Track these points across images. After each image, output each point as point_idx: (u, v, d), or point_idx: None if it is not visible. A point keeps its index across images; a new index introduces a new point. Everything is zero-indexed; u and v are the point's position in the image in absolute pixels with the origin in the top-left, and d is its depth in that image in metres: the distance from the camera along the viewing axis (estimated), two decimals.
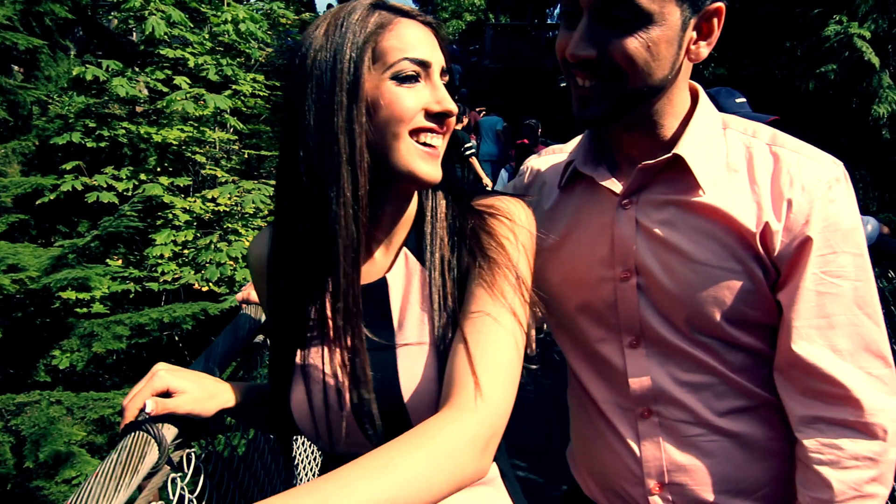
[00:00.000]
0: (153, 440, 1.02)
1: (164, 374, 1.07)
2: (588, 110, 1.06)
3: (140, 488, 1.05)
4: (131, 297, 7.34)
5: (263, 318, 1.75)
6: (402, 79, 0.99)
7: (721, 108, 2.35)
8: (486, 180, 9.63)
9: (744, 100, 2.48)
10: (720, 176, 1.08)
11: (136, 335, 6.45)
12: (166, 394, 1.08)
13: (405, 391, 0.99)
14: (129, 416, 1.04)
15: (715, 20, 1.05)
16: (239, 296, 1.82)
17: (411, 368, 1.00)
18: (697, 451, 1.10)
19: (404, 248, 1.10)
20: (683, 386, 1.11)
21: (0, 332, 6.33)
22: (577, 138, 1.29)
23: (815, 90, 4.39)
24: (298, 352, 1.08)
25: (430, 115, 1.01)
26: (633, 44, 0.99)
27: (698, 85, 1.17)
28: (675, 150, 1.08)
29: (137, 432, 1.02)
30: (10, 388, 6.19)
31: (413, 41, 1.00)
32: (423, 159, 1.01)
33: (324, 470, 1.18)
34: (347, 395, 1.03)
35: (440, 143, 1.03)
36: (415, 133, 1.01)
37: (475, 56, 23.02)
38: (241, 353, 1.65)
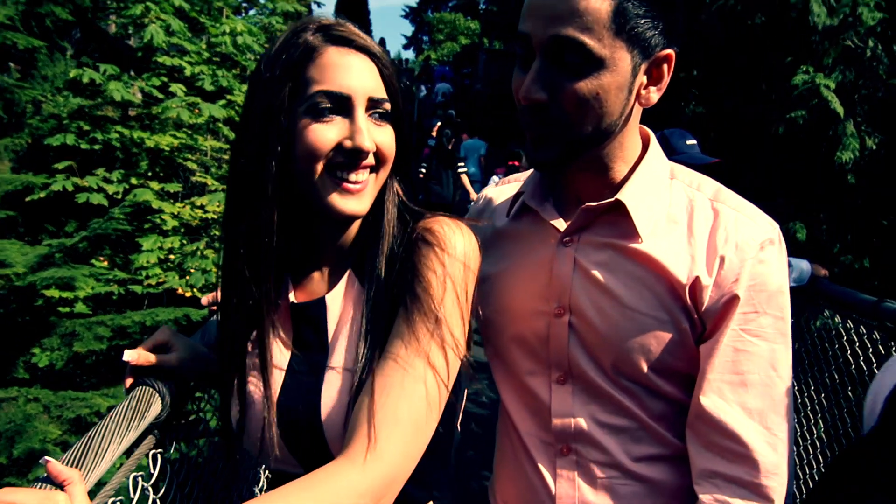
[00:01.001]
0: (157, 394, 1.10)
1: (161, 330, 1.16)
2: (540, 153, 1.07)
3: (127, 454, 1.12)
4: (114, 298, 7.37)
5: None
6: (315, 113, 0.97)
7: (672, 148, 2.50)
8: (474, 195, 9.85)
9: (694, 142, 2.63)
10: (660, 225, 1.09)
11: (118, 337, 6.50)
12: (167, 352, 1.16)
13: (324, 416, 0.98)
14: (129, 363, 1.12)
15: (665, 66, 1.06)
16: (205, 299, 1.83)
17: (331, 394, 0.99)
18: (610, 493, 1.11)
19: (349, 270, 1.08)
20: (603, 427, 1.11)
21: None
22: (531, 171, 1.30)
23: (785, 134, 4.64)
24: (240, 367, 1.08)
25: (345, 150, 0.97)
26: (584, 89, 0.99)
27: (650, 131, 1.18)
28: (617, 196, 1.09)
29: (144, 387, 1.10)
30: None
31: (334, 73, 0.96)
32: (339, 195, 0.99)
33: (270, 488, 1.22)
34: (273, 412, 1.04)
35: (365, 177, 1.00)
36: (331, 168, 0.98)
37: (468, 79, 23.36)
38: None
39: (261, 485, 2.57)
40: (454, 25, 31.35)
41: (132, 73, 8.02)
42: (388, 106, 1.01)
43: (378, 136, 1.01)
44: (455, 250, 1.00)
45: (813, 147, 4.49)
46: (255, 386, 1.07)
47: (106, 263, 7.37)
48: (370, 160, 1.00)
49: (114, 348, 6.90)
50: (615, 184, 1.13)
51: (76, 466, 0.90)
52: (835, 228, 4.38)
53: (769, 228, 1.07)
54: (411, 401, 0.92)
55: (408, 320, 0.96)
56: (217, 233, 7.89)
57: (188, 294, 7.34)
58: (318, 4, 15.14)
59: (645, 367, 1.07)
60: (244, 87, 8.91)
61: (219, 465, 1.87)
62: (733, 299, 1.03)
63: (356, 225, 1.09)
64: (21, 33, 6.61)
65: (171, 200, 7.94)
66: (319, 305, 1.08)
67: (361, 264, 1.07)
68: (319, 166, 0.98)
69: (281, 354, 1.09)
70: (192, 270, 7.41)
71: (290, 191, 1.02)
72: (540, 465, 1.17)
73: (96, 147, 7.26)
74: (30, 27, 7.70)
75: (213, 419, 1.51)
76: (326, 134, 0.97)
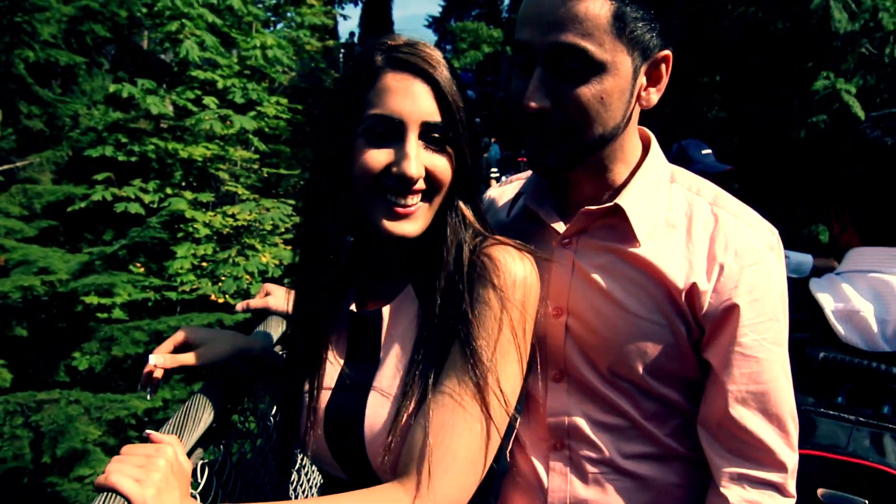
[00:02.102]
0: (209, 402, 1.14)
1: (182, 329, 1.15)
2: (544, 159, 1.07)
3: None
4: (150, 305, 7.62)
5: (278, 332, 1.80)
6: (369, 136, 0.98)
7: (689, 158, 2.60)
8: None
9: (709, 151, 2.74)
10: (658, 230, 1.09)
11: (154, 341, 6.71)
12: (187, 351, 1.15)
13: (367, 431, 1.00)
14: (148, 366, 1.11)
15: (663, 66, 1.07)
16: (240, 305, 1.80)
17: (376, 410, 1.00)
18: (601, 488, 1.13)
19: (409, 285, 1.08)
20: (597, 425, 1.12)
21: (25, 331, 6.64)
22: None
23: (807, 138, 4.68)
24: (300, 371, 1.12)
25: (393, 175, 0.97)
26: (587, 95, 0.99)
27: (650, 132, 1.19)
28: (616, 200, 1.08)
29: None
30: (32, 385, 6.45)
31: (389, 97, 0.97)
32: (388, 217, 0.99)
33: (323, 489, 1.24)
34: (321, 416, 1.08)
35: (415, 201, 0.99)
36: (383, 190, 0.99)
37: (490, 87, 23.51)
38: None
39: (314, 482, 2.68)
40: (477, 34, 31.54)
41: (166, 87, 8.31)
42: (444, 131, 0.98)
43: (431, 162, 0.98)
44: (515, 283, 0.98)
45: (834, 150, 4.52)
46: (308, 389, 1.09)
47: (143, 270, 7.63)
48: (421, 185, 0.98)
49: (150, 352, 7.10)
50: (615, 186, 1.12)
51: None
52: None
53: (769, 235, 1.08)
54: (469, 439, 0.93)
55: (464, 355, 0.95)
56: (249, 241, 8.12)
57: (220, 300, 7.55)
58: (344, 17, 15.46)
59: (640, 369, 1.08)
60: (273, 99, 9.16)
61: (263, 463, 1.91)
62: (734, 307, 1.04)
63: (420, 240, 1.05)
64: (63, 50, 6.91)
65: (204, 209, 8.20)
66: (377, 317, 1.08)
67: (421, 279, 1.06)
68: (371, 189, 0.99)
69: (334, 362, 1.11)
70: (223, 277, 7.64)
71: (353, 206, 1.04)
72: (533, 459, 1.18)
73: (133, 159, 7.54)
74: (69, 44, 8.02)
75: (251, 422, 1.56)
76: (377, 158, 0.97)
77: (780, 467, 1.05)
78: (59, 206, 7.43)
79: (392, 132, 0.97)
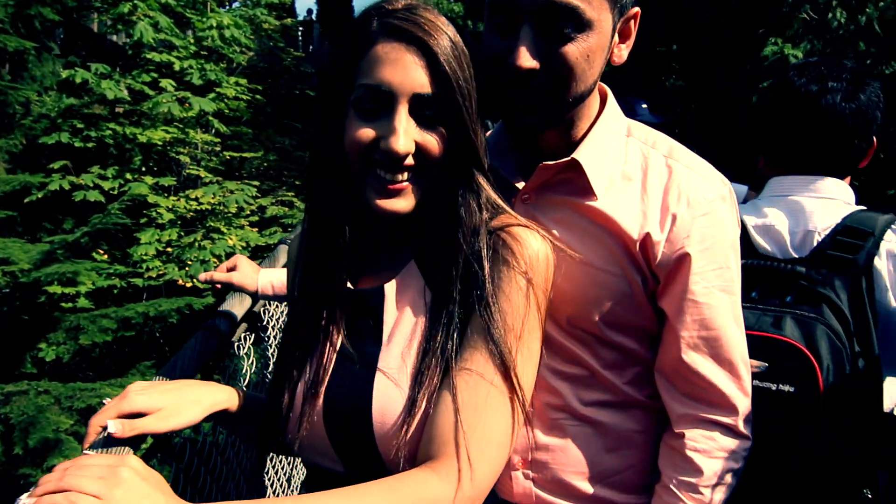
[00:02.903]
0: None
1: (133, 395, 0.94)
2: (528, 119, 1.06)
3: None
4: (115, 292, 7.53)
5: (243, 311, 1.66)
6: (358, 107, 0.93)
7: (628, 112, 2.75)
8: None
9: (646, 105, 2.98)
10: (614, 183, 1.12)
11: (122, 328, 6.67)
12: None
13: (375, 415, 0.93)
14: (90, 435, 0.92)
15: (632, 23, 1.09)
16: (203, 276, 1.69)
17: (385, 392, 0.94)
18: (561, 433, 1.15)
19: (412, 260, 1.03)
20: (557, 374, 1.15)
21: None
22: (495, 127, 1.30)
23: (759, 103, 4.84)
24: (292, 353, 1.05)
25: (381, 150, 0.92)
26: (575, 53, 0.99)
27: (607, 87, 1.20)
28: (573, 155, 1.10)
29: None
30: None
31: (379, 67, 0.91)
32: (378, 194, 0.94)
33: (308, 483, 1.15)
34: (320, 402, 0.99)
35: (405, 177, 0.94)
36: (373, 164, 0.94)
37: None
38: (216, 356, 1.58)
39: (298, 478, 2.55)
40: (438, 8, 31.25)
41: (121, 70, 8.12)
42: (438, 105, 0.92)
43: (422, 137, 0.92)
44: (539, 263, 0.96)
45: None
46: (302, 373, 1.02)
47: (106, 258, 7.52)
48: (410, 160, 0.93)
49: (119, 340, 7.07)
50: (574, 141, 1.13)
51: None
52: None
53: (720, 185, 1.11)
54: (502, 419, 0.91)
55: (490, 334, 0.91)
56: (214, 224, 8.05)
57: (188, 285, 7.49)
58: None
59: (598, 319, 1.10)
60: (232, 80, 9.01)
61: (235, 452, 1.87)
62: (685, 256, 1.06)
63: (421, 215, 1.00)
64: (11, 35, 6.70)
65: (166, 194, 8.09)
66: (378, 294, 1.02)
67: (425, 255, 1.01)
68: (362, 163, 0.94)
69: (331, 344, 1.03)
70: (190, 262, 7.57)
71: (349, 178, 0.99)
72: None
73: (90, 145, 7.38)
74: (17, 28, 7.77)
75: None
76: (366, 132, 0.92)
77: (733, 409, 1.10)
78: (15, 196, 7.25)
79: (382, 105, 0.92)
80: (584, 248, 1.10)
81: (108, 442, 0.91)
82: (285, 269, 1.77)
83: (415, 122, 0.93)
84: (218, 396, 1.04)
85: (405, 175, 0.94)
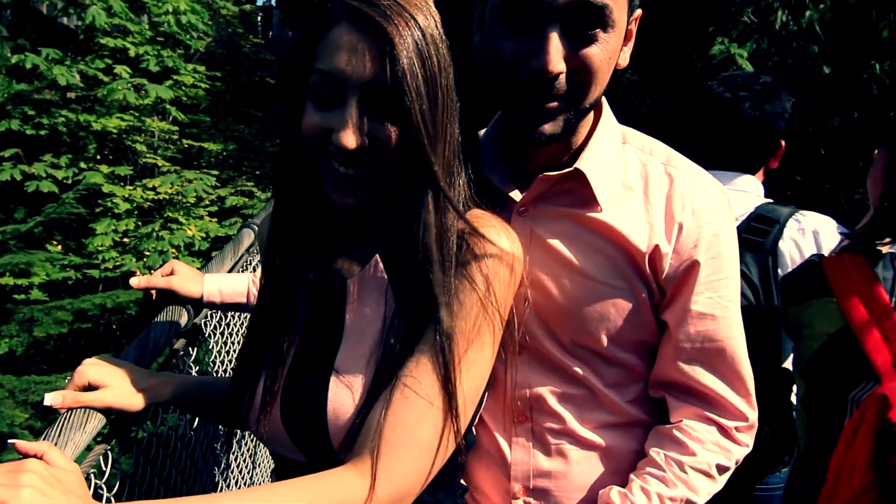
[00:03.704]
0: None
1: (85, 368, 0.99)
2: (546, 127, 0.98)
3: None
4: (70, 284, 7.39)
5: (184, 321, 1.49)
6: (312, 93, 0.89)
7: None
8: None
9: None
10: (616, 193, 1.07)
11: (78, 320, 6.56)
12: (92, 388, 1.01)
13: (330, 410, 0.92)
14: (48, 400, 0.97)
15: (634, 24, 1.03)
16: (138, 281, 1.45)
17: (340, 401, 0.92)
18: (563, 459, 1.11)
19: (376, 255, 0.98)
20: (558, 396, 1.11)
21: None
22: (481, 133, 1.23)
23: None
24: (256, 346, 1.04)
25: (332, 143, 0.87)
26: (600, 56, 0.94)
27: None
28: (576, 165, 1.04)
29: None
30: None
31: (333, 52, 0.86)
32: (332, 186, 0.91)
33: (276, 472, 1.14)
34: (278, 397, 0.99)
35: (358, 170, 0.89)
36: (327, 155, 0.90)
37: None
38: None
39: (267, 467, 2.53)
40: None
41: (74, 55, 7.92)
42: (393, 97, 0.85)
43: (375, 130, 0.87)
44: (501, 266, 0.92)
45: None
46: (262, 367, 1.01)
47: (60, 248, 7.37)
48: (364, 156, 0.88)
49: (74, 332, 6.95)
50: (572, 151, 1.08)
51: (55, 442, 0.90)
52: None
53: (720, 193, 1.09)
54: (434, 422, 0.87)
55: (439, 332, 0.88)
56: (172, 214, 7.95)
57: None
58: None
59: (603, 337, 1.07)
60: (190, 67, 8.87)
61: (198, 440, 1.80)
62: (694, 265, 1.04)
63: (386, 209, 0.96)
64: None
65: (122, 184, 7.94)
66: (340, 290, 0.99)
67: (389, 251, 0.97)
68: (317, 153, 0.91)
69: (291, 337, 1.01)
70: (148, 252, 7.47)
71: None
72: (496, 434, 1.15)
73: (42, 132, 7.18)
74: None
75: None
76: (319, 122, 0.88)
77: (735, 415, 1.08)
78: None
79: (335, 94, 0.87)
80: (588, 262, 1.06)
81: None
82: (236, 275, 1.67)
83: (370, 114, 0.87)
84: (165, 392, 1.08)
85: (359, 167, 0.89)
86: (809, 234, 1.68)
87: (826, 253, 1.55)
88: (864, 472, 1.12)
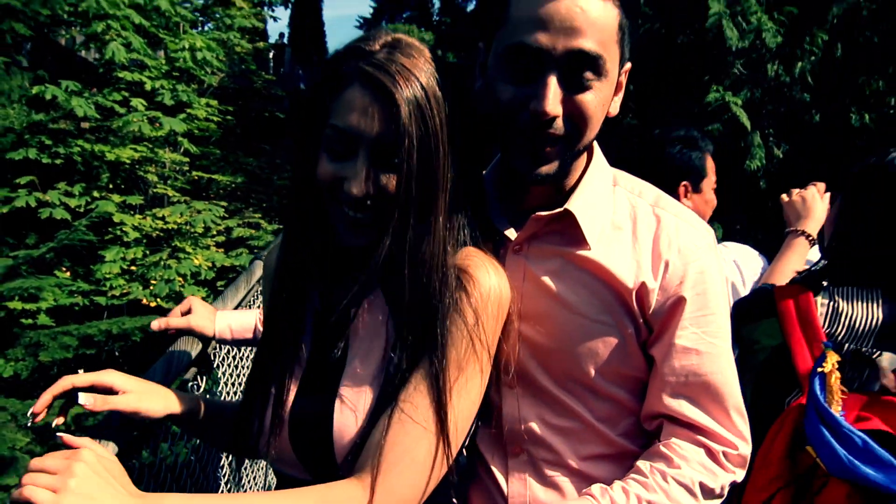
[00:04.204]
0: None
1: (110, 371, 1.06)
2: (542, 168, 1.05)
3: None
4: (76, 310, 7.48)
5: (195, 352, 1.57)
6: (326, 145, 0.98)
7: None
8: None
9: None
10: (606, 232, 1.11)
11: (83, 346, 6.64)
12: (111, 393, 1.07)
13: (336, 433, 1.00)
14: (55, 388, 1.05)
15: (624, 76, 1.10)
16: (157, 324, 1.53)
17: (345, 424, 1.00)
18: (559, 490, 1.14)
19: (378, 288, 1.07)
20: (552, 429, 1.13)
21: None
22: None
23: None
24: (266, 370, 1.10)
25: (343, 190, 0.97)
26: (594, 102, 1.00)
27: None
28: (566, 206, 1.09)
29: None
30: None
31: (347, 110, 0.96)
32: (342, 227, 1.01)
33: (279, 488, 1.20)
34: (286, 420, 1.06)
35: (367, 213, 0.99)
36: (338, 200, 0.99)
37: None
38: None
39: (267, 486, 2.55)
40: (409, 35, 31.56)
41: (92, 88, 8.17)
42: (398, 152, 0.95)
43: (382, 181, 0.97)
44: (490, 302, 1.01)
45: (728, 156, 5.06)
46: (270, 390, 1.08)
47: (69, 275, 7.49)
48: (371, 202, 0.98)
49: (79, 358, 7.02)
50: (564, 192, 1.13)
51: None
52: (747, 228, 4.92)
53: (706, 233, 1.13)
54: (429, 444, 0.95)
55: (434, 361, 0.97)
56: (179, 244, 8.10)
57: (153, 304, 7.49)
58: (275, 19, 15.36)
59: (591, 371, 1.10)
60: (203, 101, 9.12)
61: (203, 464, 1.84)
62: (680, 301, 1.07)
63: (388, 247, 1.03)
64: None
65: (132, 212, 8.11)
66: (344, 318, 1.06)
67: (391, 284, 1.03)
68: (328, 197, 1.00)
69: (299, 362, 1.09)
70: (154, 281, 7.59)
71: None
72: (493, 467, 1.17)
73: (58, 161, 7.39)
74: None
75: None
76: (332, 171, 0.98)
77: (724, 442, 1.09)
78: None
79: (348, 147, 0.97)
80: (577, 298, 1.10)
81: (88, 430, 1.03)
82: (243, 311, 1.75)
83: (378, 166, 0.97)
84: (180, 406, 1.15)
85: (367, 212, 0.98)
86: (731, 263, 1.94)
87: (746, 276, 1.83)
88: (778, 463, 1.28)
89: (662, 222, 1.11)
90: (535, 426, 1.14)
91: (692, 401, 1.09)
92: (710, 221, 2.21)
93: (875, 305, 1.40)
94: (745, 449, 1.10)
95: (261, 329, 1.43)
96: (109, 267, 7.38)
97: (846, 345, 1.37)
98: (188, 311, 1.56)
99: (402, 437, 0.94)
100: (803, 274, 1.51)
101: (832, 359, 1.31)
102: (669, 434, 1.11)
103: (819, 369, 1.30)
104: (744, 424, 1.11)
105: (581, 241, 1.10)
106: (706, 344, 1.08)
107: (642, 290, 1.08)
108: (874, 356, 1.35)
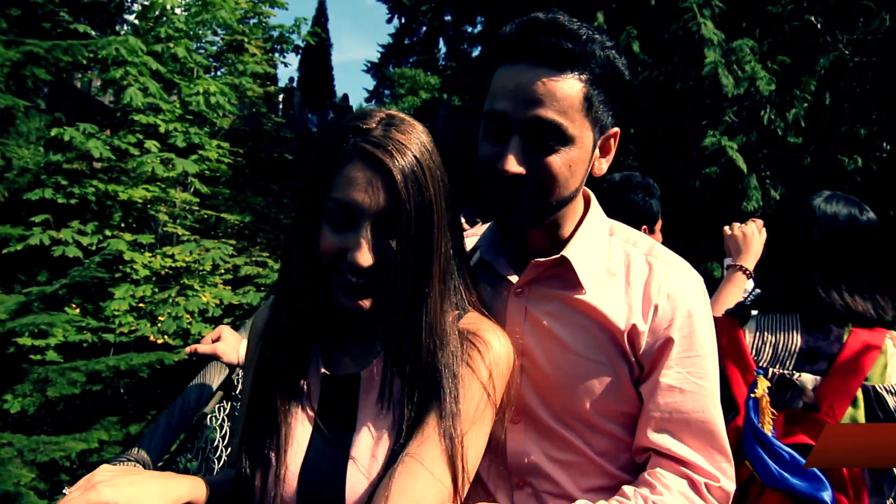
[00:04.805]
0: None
1: (101, 487, 0.93)
2: (514, 218, 1.15)
3: None
4: (85, 346, 7.56)
5: (222, 377, 1.67)
6: (329, 217, 1.03)
7: None
8: None
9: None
10: (600, 278, 1.20)
11: (91, 382, 6.70)
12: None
13: (348, 500, 1.01)
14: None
15: (612, 140, 1.20)
16: (188, 349, 1.67)
17: (358, 487, 1.01)
18: None
19: (383, 351, 1.09)
20: (554, 462, 1.18)
21: None
22: (487, 225, 1.40)
23: (702, 186, 5.36)
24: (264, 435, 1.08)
25: (346, 260, 1.02)
26: (558, 163, 1.10)
27: (590, 192, 1.30)
28: (563, 252, 1.18)
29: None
30: None
31: (349, 185, 1.01)
32: (344, 294, 1.04)
33: None
34: (294, 483, 1.05)
35: (369, 281, 1.03)
36: (340, 271, 1.04)
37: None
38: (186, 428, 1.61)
39: None
40: (415, 80, 32.17)
41: (106, 129, 8.41)
42: (398, 222, 1.02)
43: (384, 250, 1.03)
44: (500, 364, 1.08)
45: (725, 198, 5.20)
46: (271, 453, 1.07)
47: (78, 311, 7.60)
48: (374, 270, 1.03)
49: (85, 394, 7.06)
50: (562, 240, 1.22)
51: None
52: None
53: (696, 281, 1.21)
54: (439, 494, 0.98)
55: (441, 420, 1.01)
56: (188, 281, 8.22)
57: (160, 341, 7.57)
58: (285, 64, 15.81)
59: (589, 407, 1.16)
60: (215, 143, 9.36)
61: None
62: (668, 342, 1.14)
63: (391, 310, 1.08)
64: (5, 94, 7.00)
65: (142, 250, 8.26)
66: (353, 381, 1.10)
67: (397, 346, 1.07)
68: (331, 266, 1.04)
69: (305, 424, 1.09)
70: (162, 318, 7.68)
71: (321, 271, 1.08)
72: (499, 499, 1.21)
73: (72, 201, 7.57)
74: (8, 86, 8.05)
75: None
76: (336, 242, 1.03)
77: (711, 477, 1.13)
78: None
79: (350, 220, 1.02)
80: (574, 338, 1.17)
81: None
82: None
83: (378, 236, 1.02)
84: (181, 490, 1.03)
85: (367, 278, 1.03)
86: None
87: None
88: None
89: (654, 269, 1.20)
90: (538, 459, 1.19)
91: (675, 436, 1.14)
92: (709, 262, 2.36)
93: (795, 331, 1.58)
94: (728, 485, 1.14)
95: None
96: (119, 304, 7.50)
97: (771, 369, 1.53)
98: (218, 339, 1.66)
99: (412, 484, 0.96)
100: (734, 307, 1.70)
101: (763, 384, 1.46)
102: (655, 465, 1.15)
103: (752, 395, 1.46)
104: (726, 462, 1.15)
105: (577, 285, 1.19)
106: (690, 384, 1.14)
107: (633, 331, 1.15)
108: (795, 377, 1.51)
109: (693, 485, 1.13)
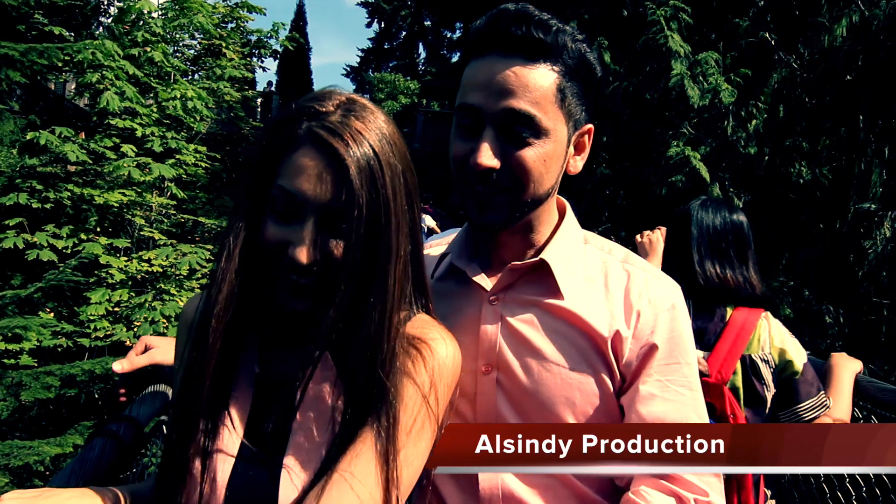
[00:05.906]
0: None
1: None
2: (487, 216, 1.11)
3: None
4: (59, 351, 7.53)
5: (155, 408, 1.50)
6: (272, 207, 0.93)
7: None
8: None
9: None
10: (579, 284, 1.15)
11: (66, 386, 6.68)
12: None
13: None
14: None
15: (586, 137, 1.17)
16: (120, 366, 1.44)
17: (291, 495, 0.92)
18: None
19: (327, 352, 0.98)
20: (529, 485, 1.11)
21: None
22: (457, 231, 1.32)
23: (668, 194, 5.55)
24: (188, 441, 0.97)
25: (288, 257, 0.91)
26: (532, 157, 1.06)
27: (565, 200, 1.26)
28: (542, 256, 1.14)
29: None
30: None
31: (296, 173, 0.91)
32: (284, 291, 0.95)
33: None
34: (221, 495, 0.95)
35: (311, 280, 0.93)
36: (281, 267, 0.93)
37: (405, 138, 24.15)
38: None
39: None
40: (394, 85, 32.21)
41: (82, 133, 8.39)
42: (346, 218, 0.91)
43: (329, 246, 0.92)
44: (444, 372, 0.98)
45: None
46: (200, 465, 0.96)
47: (52, 315, 7.56)
48: (317, 268, 0.93)
49: (59, 399, 7.04)
50: (538, 245, 1.19)
51: None
52: None
53: (673, 288, 1.19)
54: None
55: (381, 430, 0.92)
56: (164, 286, 8.22)
57: None
58: (263, 69, 15.83)
59: (569, 420, 1.10)
60: (192, 147, 9.36)
61: None
62: (652, 348, 1.10)
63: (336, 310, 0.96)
64: None
65: (118, 255, 8.24)
66: (290, 385, 0.97)
67: (336, 354, 0.97)
68: (272, 260, 0.94)
69: (235, 428, 0.99)
70: (138, 323, 7.67)
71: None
72: None
73: (48, 205, 7.55)
74: None
75: None
76: (278, 236, 0.93)
77: (699, 492, 1.06)
78: None
79: (294, 211, 0.92)
80: (553, 348, 1.12)
81: None
82: None
83: (325, 233, 0.92)
84: None
85: (311, 278, 0.93)
86: None
87: None
88: None
89: (632, 276, 1.17)
90: (510, 483, 1.12)
91: None
92: None
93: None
94: (718, 501, 1.08)
95: None
96: (94, 308, 7.47)
97: None
98: (145, 350, 1.50)
99: (340, 502, 0.87)
100: None
101: None
102: (639, 483, 1.08)
103: None
104: (714, 476, 1.09)
105: (556, 290, 1.14)
106: (672, 392, 1.10)
107: (617, 338, 1.11)
108: None
109: (681, 502, 1.07)
